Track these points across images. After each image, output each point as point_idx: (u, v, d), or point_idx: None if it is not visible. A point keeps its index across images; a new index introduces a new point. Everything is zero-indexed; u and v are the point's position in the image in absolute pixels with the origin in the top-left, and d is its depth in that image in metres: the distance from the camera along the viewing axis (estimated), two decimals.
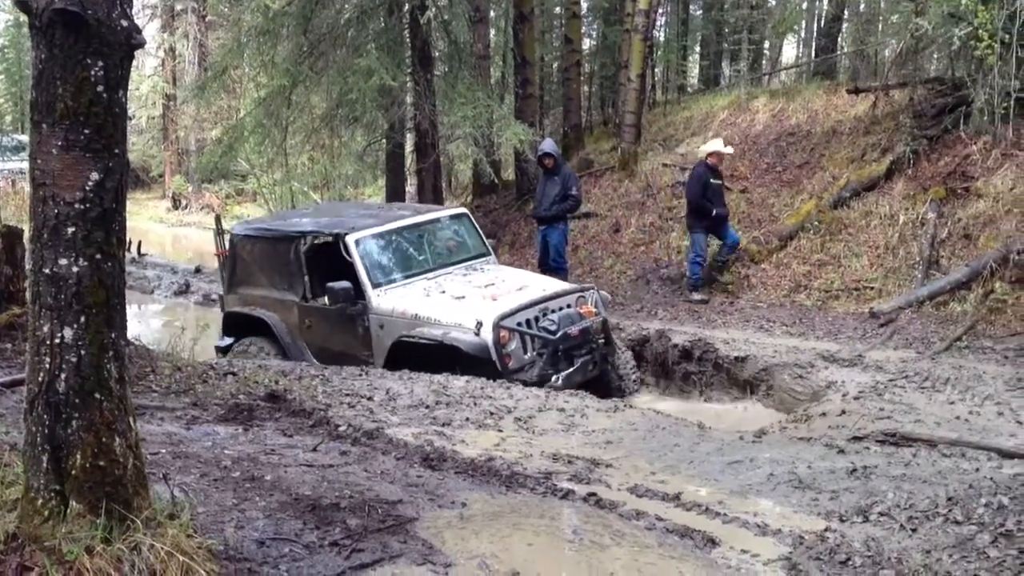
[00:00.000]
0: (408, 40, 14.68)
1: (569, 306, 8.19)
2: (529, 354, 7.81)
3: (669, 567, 3.58)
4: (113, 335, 2.89)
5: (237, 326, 9.37)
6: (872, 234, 11.48)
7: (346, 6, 14.68)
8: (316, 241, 8.86)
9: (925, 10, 12.25)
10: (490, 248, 9.58)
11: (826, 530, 3.92)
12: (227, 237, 10.00)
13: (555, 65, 22.46)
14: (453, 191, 24.18)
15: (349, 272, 8.38)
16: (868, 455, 5.26)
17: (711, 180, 10.99)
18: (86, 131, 2.77)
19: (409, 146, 17.35)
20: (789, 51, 28.16)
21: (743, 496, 4.50)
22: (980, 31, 10.79)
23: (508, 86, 21.00)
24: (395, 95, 14.04)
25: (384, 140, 17.22)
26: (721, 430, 6.22)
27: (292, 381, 6.72)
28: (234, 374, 6.66)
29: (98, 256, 2.82)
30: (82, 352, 2.82)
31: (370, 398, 6.36)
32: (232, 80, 19.37)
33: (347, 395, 6.39)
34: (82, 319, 2.82)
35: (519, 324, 7.77)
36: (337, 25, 14.31)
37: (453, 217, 9.62)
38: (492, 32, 22.04)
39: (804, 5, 24.48)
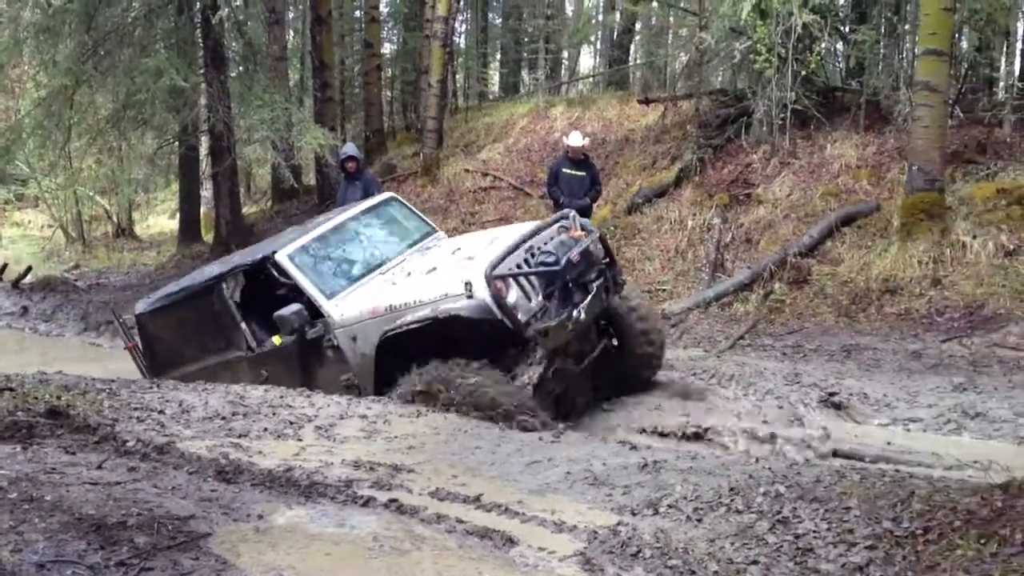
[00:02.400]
0: (200, 40, 14.27)
1: (552, 238, 7.08)
2: (535, 300, 6.70)
3: (469, 568, 3.60)
4: None
5: None
6: (664, 239, 12.00)
7: (133, 4, 14.16)
8: (238, 278, 7.63)
9: (709, 24, 12.93)
10: (433, 225, 8.55)
11: (618, 524, 4.05)
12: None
13: (356, 69, 22.29)
14: (252, 196, 23.58)
15: (289, 297, 7.29)
16: (659, 451, 5.48)
17: (564, 170, 11.04)
18: None
19: (204, 149, 16.84)
20: (586, 61, 29.05)
21: (541, 495, 4.59)
22: (759, 45, 11.51)
23: (308, 89, 20.69)
24: (187, 96, 13.61)
25: (177, 143, 16.69)
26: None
27: (75, 396, 6.34)
28: (11, 390, 6.22)
29: None
30: None
31: (161, 411, 6.08)
32: (10, 79, 18.36)
33: (136, 409, 6.09)
34: None
35: (510, 269, 6.60)
36: (123, 23, 13.81)
37: (382, 204, 8.45)
38: (290, 34, 21.70)
39: (600, 17, 25.32)
